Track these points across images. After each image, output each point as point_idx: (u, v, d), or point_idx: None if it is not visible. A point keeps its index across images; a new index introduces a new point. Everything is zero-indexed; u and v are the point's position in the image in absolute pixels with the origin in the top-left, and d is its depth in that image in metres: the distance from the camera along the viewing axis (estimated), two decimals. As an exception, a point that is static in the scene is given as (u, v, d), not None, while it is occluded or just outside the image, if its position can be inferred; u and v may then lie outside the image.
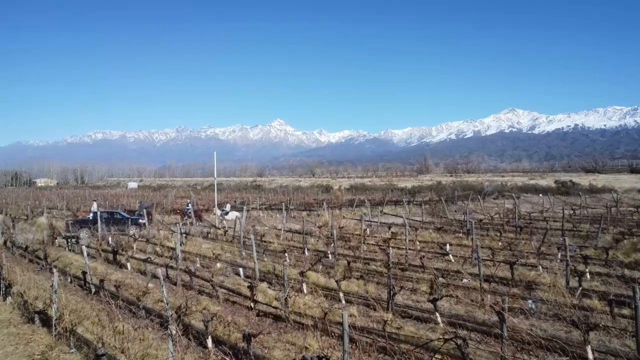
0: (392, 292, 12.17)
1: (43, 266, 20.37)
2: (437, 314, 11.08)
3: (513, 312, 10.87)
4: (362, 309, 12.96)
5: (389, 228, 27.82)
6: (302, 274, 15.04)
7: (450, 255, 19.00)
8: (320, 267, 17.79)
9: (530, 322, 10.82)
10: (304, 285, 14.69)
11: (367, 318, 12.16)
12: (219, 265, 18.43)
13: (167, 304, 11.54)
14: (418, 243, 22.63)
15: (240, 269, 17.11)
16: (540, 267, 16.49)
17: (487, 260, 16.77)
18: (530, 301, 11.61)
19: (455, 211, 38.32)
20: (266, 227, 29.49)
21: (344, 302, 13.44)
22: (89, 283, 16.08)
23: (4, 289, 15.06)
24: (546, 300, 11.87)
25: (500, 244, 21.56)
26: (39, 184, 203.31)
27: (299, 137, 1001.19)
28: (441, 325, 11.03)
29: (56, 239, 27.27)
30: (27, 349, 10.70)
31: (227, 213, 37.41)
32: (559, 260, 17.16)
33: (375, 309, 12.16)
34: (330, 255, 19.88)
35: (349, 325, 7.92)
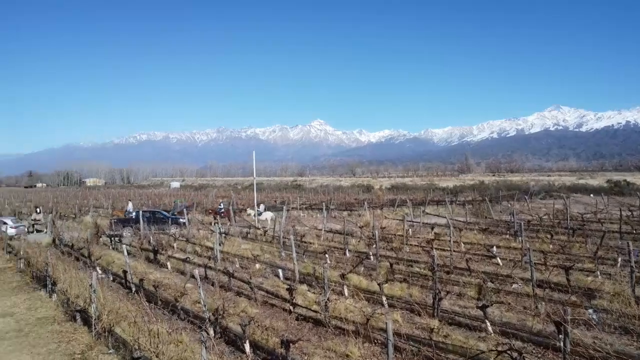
0: (437, 296, 11.50)
1: (87, 264, 20.59)
2: (487, 322, 10.33)
3: (572, 323, 10.02)
4: (406, 314, 12.32)
5: (432, 229, 26.93)
6: (343, 276, 14.52)
7: (498, 258, 18.04)
8: (362, 269, 17.21)
9: (593, 334, 9.85)
10: (345, 288, 14.16)
11: (411, 324, 11.51)
12: (257, 266, 18.11)
13: (205, 306, 11.25)
14: (463, 244, 21.73)
15: (280, 271, 16.72)
16: (599, 273, 15.33)
17: (538, 264, 15.74)
18: (591, 310, 10.61)
19: (501, 212, 36.96)
20: (306, 227, 29.09)
21: (386, 306, 12.85)
22: (129, 282, 16.04)
23: (50, 286, 15.20)
24: (610, 311, 10.90)
25: (551, 246, 20.35)
26: (88, 184, 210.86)
27: (338, 136, 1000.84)
28: (492, 334, 10.27)
29: (100, 237, 27.70)
30: (69, 348, 10.65)
31: (260, 213, 37.33)
32: (619, 266, 15.91)
33: (420, 315, 11.53)
34: (372, 257, 19.27)
35: (392, 333, 7.39)
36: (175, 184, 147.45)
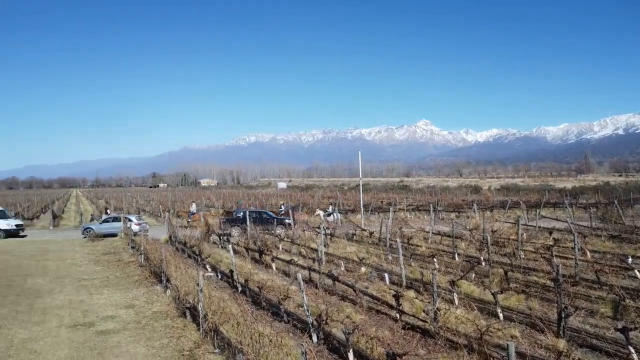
0: (564, 312, 10.18)
1: (198, 261, 21.42)
2: (631, 349, 8.83)
3: None
4: (526, 330, 11.12)
5: (550, 233, 24.73)
6: (452, 283, 13.57)
7: (636, 271, 15.87)
8: (473, 275, 16.06)
9: None
10: (455, 296, 13.19)
11: (532, 343, 10.30)
12: (363, 269, 17.62)
13: (307, 310, 10.95)
14: (588, 253, 19.56)
15: (386, 275, 16.10)
16: None
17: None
18: None
19: (632, 216, 33.20)
20: (413, 229, 28.14)
21: (502, 319, 11.72)
22: (235, 281, 16.28)
23: (165, 281, 15.89)
24: None
25: None
26: (203, 184, 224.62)
27: (444, 136, 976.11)
28: (638, 364, 8.78)
29: (211, 235, 28.81)
30: (178, 344, 10.90)
31: (329, 214, 36.84)
32: None
33: (542, 332, 10.29)
34: (483, 263, 18.00)
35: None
36: (282, 185, 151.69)
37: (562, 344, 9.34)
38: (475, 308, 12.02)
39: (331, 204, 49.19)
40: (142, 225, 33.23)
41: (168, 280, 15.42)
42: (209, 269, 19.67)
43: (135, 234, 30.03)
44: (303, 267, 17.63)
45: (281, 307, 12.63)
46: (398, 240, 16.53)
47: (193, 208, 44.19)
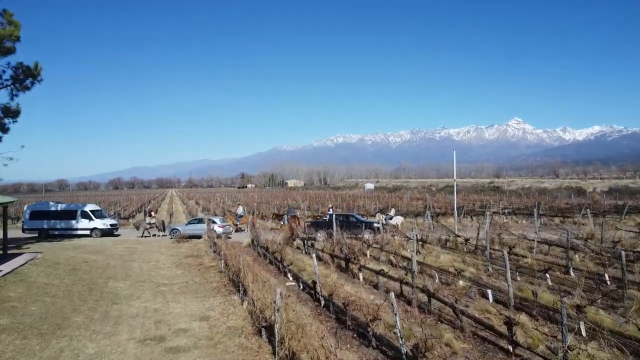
0: None
1: (279, 268, 20.23)
2: None
3: None
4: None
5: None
6: (578, 308, 11.15)
7: None
8: (599, 300, 13.36)
9: None
10: (582, 326, 10.76)
11: None
12: (461, 283, 15.42)
13: (401, 337, 9.19)
14: None
15: (489, 291, 13.86)
16: None
17: None
18: None
19: None
20: (514, 235, 25.20)
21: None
22: (318, 294, 14.77)
23: (242, 292, 14.77)
24: None
25: None
26: (290, 185, 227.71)
27: (538, 135, 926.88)
28: None
29: (294, 240, 27.64)
30: (251, 368, 9.66)
31: (391, 218, 34.28)
32: None
33: None
34: (608, 281, 15.15)
35: None
36: (370, 186, 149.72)
37: None
38: (613, 343, 9.60)
39: (392, 206, 46.79)
40: (226, 227, 32.80)
41: (245, 291, 14.23)
42: (291, 278, 18.37)
43: (218, 236, 29.60)
44: (393, 279, 15.79)
45: (369, 329, 10.92)
46: (505, 251, 14.10)
47: (240, 211, 43.08)
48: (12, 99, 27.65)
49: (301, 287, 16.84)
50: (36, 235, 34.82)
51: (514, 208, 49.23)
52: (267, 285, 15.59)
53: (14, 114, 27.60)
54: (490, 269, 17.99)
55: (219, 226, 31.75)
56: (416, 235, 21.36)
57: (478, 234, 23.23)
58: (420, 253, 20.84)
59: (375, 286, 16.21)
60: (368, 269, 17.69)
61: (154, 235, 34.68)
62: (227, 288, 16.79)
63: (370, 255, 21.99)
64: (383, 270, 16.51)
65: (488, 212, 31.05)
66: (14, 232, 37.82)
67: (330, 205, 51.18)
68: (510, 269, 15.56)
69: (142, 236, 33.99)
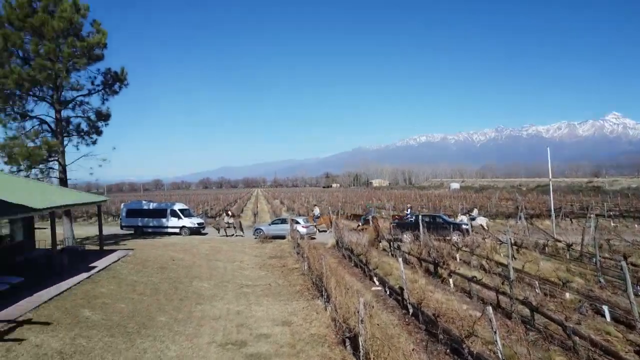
0: None
1: (365, 272, 19.36)
2: None
3: None
4: None
5: None
6: None
7: None
8: None
9: None
10: None
11: None
12: (568, 295, 13.69)
13: (501, 357, 8.01)
14: None
15: (605, 307, 12.12)
16: None
17: None
18: None
19: None
20: (626, 242, 22.50)
21: None
22: (406, 301, 13.73)
23: (326, 297, 14.07)
24: None
25: None
26: (374, 184, 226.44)
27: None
28: None
29: (380, 241, 26.65)
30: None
31: (473, 219, 31.58)
32: None
33: None
34: None
35: None
36: (455, 185, 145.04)
37: None
38: None
39: (475, 207, 44.12)
40: (309, 228, 32.24)
41: (329, 297, 13.49)
42: (377, 282, 17.44)
43: (302, 237, 29.18)
44: (487, 287, 14.40)
45: (464, 345, 9.76)
46: (624, 264, 12.20)
47: (317, 212, 42.16)
48: (103, 103, 28.92)
49: (387, 293, 15.87)
50: (132, 232, 36.36)
51: (621, 210, 44.95)
52: (352, 290, 14.81)
53: (106, 117, 28.81)
54: (602, 281, 15.97)
55: (302, 226, 31.35)
56: (510, 238, 19.52)
57: (583, 238, 20.98)
58: (515, 259, 19.08)
59: (468, 294, 14.92)
60: (459, 274, 16.38)
61: (232, 235, 34.98)
62: (311, 292, 16.18)
63: (460, 259, 20.52)
64: (475, 277, 15.16)
65: (592, 215, 28.16)
66: (115, 229, 39.91)
67: (408, 206, 49.49)
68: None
69: (226, 235, 34.55)
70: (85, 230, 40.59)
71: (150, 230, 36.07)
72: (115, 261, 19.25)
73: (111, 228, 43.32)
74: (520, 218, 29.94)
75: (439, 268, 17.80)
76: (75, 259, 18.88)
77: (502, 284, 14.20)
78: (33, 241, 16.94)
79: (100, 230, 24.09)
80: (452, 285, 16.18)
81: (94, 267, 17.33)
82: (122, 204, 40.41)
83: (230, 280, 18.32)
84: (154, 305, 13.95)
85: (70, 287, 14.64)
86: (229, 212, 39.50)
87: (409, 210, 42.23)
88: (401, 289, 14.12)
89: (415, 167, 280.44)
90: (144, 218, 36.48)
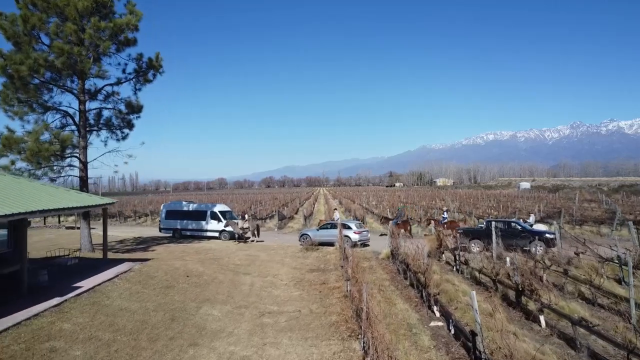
0: None
1: (422, 296, 15.15)
2: None
3: None
4: None
5: None
6: None
7: None
8: None
9: None
10: None
11: None
12: None
13: None
14: None
15: None
16: None
17: None
18: None
19: None
20: None
21: None
22: (478, 351, 9.46)
23: (364, 339, 10.09)
24: None
25: None
26: (438, 184, 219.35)
27: None
28: None
29: (443, 253, 22.24)
30: None
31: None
32: None
33: None
34: None
35: None
36: (525, 185, 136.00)
37: None
38: None
39: (531, 212, 38.12)
40: (363, 234, 27.88)
41: (369, 342, 9.45)
42: (437, 314, 13.19)
43: (354, 244, 25.10)
44: (600, 335, 9.84)
45: None
46: None
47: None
48: (135, 92, 26.29)
49: (452, 332, 11.57)
50: (170, 235, 33.75)
51: None
52: (404, 323, 10.68)
53: (138, 109, 26.13)
54: None
55: (354, 232, 27.11)
56: (627, 255, 14.38)
57: None
58: (637, 287, 14.03)
59: (571, 342, 10.40)
60: (554, 310, 11.78)
61: (247, 239, 30.90)
62: (349, 325, 12.11)
63: (548, 282, 15.76)
64: (585, 320, 10.54)
65: None
66: (153, 231, 37.56)
67: (445, 209, 42.14)
68: None
69: (244, 241, 30.60)
70: (133, 230, 38.92)
71: (188, 233, 33.20)
72: (111, 278, 15.98)
73: (151, 229, 41.25)
74: (630, 228, 23.27)
75: (523, 296, 13.30)
76: (59, 275, 15.82)
77: (626, 327, 9.61)
78: (20, 252, 13.95)
79: (105, 237, 21.20)
80: (543, 324, 11.71)
81: (76, 288, 14.03)
82: (162, 205, 37.62)
83: (252, 304, 14.63)
84: (124, 353, 10.08)
85: (18, 322, 11.11)
86: (245, 216, 35.77)
87: (445, 213, 36.75)
88: (473, 333, 9.86)
89: (481, 165, 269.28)
90: (182, 220, 33.63)
